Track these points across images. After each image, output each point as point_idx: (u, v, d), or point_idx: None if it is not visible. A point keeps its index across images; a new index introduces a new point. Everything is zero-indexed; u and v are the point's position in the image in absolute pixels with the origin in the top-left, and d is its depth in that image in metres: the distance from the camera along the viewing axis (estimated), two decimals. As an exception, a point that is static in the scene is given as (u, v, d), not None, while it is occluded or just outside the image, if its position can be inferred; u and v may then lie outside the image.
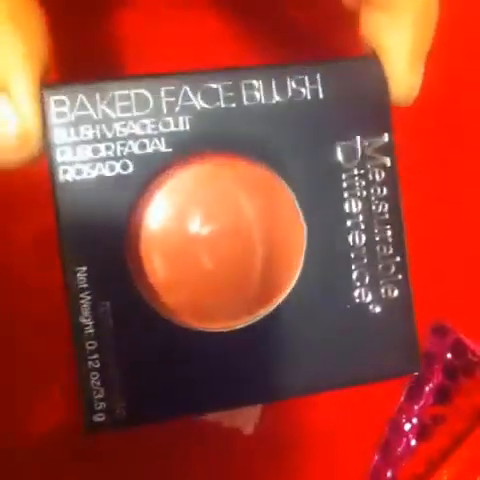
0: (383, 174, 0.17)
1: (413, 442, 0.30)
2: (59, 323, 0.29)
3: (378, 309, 0.17)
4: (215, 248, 0.16)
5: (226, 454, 0.30)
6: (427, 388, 0.30)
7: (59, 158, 0.15)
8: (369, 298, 0.17)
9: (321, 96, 0.16)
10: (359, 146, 0.16)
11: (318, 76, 0.16)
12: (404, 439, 0.30)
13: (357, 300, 0.17)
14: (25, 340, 0.29)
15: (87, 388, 0.16)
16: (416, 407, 0.30)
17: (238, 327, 0.16)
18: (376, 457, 0.30)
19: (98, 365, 0.15)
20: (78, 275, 0.15)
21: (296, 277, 0.16)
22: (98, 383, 0.16)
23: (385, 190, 0.17)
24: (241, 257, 0.16)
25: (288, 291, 0.16)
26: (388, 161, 0.17)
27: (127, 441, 0.29)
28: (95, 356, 0.15)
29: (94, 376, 0.16)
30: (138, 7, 0.27)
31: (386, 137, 0.17)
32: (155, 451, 0.30)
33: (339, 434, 0.31)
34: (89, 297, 0.15)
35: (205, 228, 0.16)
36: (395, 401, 0.31)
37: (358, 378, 0.17)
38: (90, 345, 0.15)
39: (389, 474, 0.30)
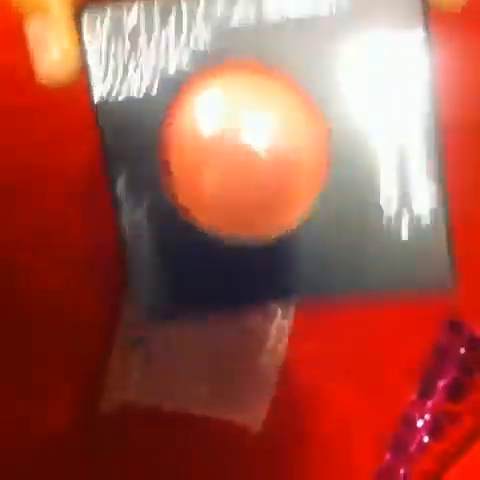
0: (417, 74, 0.16)
1: (426, 439, 0.30)
2: (61, 324, 0.29)
3: (406, 233, 0.16)
4: (245, 156, 0.16)
5: (232, 452, 0.30)
6: (440, 384, 0.30)
7: (94, 77, 0.16)
8: (399, 222, 0.16)
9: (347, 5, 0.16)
10: (387, 44, 0.16)
11: None
12: (417, 436, 0.30)
13: (385, 221, 0.16)
14: (25, 342, 0.29)
15: (133, 278, 0.17)
16: (429, 403, 0.30)
17: (268, 236, 0.16)
18: (388, 455, 0.30)
19: (142, 260, 0.17)
20: (119, 183, 0.17)
21: (320, 188, 0.16)
22: (141, 275, 0.17)
23: (419, 92, 0.16)
24: (271, 165, 0.16)
25: (313, 203, 0.16)
26: (423, 58, 0.16)
27: (128, 441, 0.29)
28: (138, 252, 0.17)
29: (138, 268, 0.17)
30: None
31: (420, 32, 0.15)
32: (159, 448, 0.29)
33: (351, 431, 0.30)
34: (129, 202, 0.17)
35: (235, 136, 0.16)
36: (408, 397, 0.30)
37: (387, 283, 0.17)
38: (133, 243, 0.17)
39: (402, 472, 0.29)
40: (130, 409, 0.29)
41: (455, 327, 0.30)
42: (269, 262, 0.17)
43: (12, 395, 0.29)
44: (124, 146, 0.17)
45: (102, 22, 0.16)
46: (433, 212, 0.16)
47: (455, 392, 0.30)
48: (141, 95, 0.16)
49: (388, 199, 0.16)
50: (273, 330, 0.29)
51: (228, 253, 0.17)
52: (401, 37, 0.16)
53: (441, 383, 0.30)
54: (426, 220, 0.16)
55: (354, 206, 0.16)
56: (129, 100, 0.16)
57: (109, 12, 0.16)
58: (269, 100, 0.16)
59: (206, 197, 0.16)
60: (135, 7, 0.16)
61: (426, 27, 0.16)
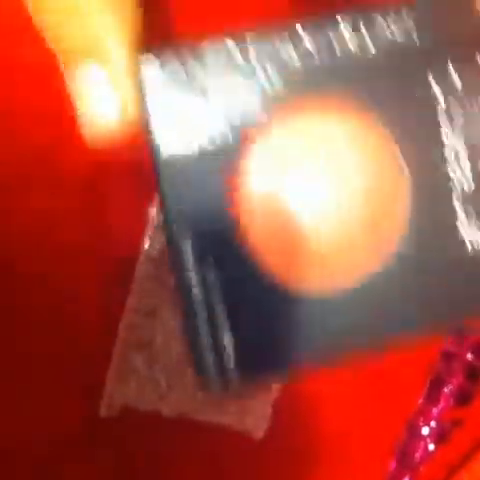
0: None
1: (431, 446, 0.29)
2: (60, 325, 0.29)
3: None
4: (315, 208, 0.15)
5: (233, 459, 0.29)
6: (446, 390, 0.29)
7: (155, 130, 0.15)
8: (476, 236, 0.16)
9: (415, 36, 0.15)
10: (453, 73, 0.15)
11: (407, 14, 0.15)
12: (422, 443, 0.29)
13: (469, 247, 0.16)
14: (23, 344, 0.29)
15: (196, 347, 0.16)
16: (435, 410, 0.29)
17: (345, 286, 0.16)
18: (393, 462, 0.30)
19: (207, 323, 0.16)
20: (185, 249, 0.16)
21: (405, 228, 0.16)
22: (205, 341, 0.16)
23: None
24: (343, 216, 0.16)
25: (395, 249, 0.16)
26: None
27: (128, 445, 0.29)
28: (203, 314, 0.16)
29: (203, 333, 0.16)
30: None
31: None
32: (159, 453, 0.29)
33: (354, 438, 0.30)
34: (195, 262, 0.16)
35: (310, 182, 0.15)
36: (413, 403, 0.30)
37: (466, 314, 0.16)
38: (197, 305, 0.16)
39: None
40: (130, 413, 0.29)
41: (461, 332, 0.30)
42: (346, 313, 0.16)
43: (11, 400, 0.28)
44: (189, 207, 0.16)
45: (164, 69, 0.15)
46: None
47: (461, 398, 0.30)
48: (209, 147, 0.15)
49: (468, 234, 0.16)
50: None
51: (309, 307, 0.16)
52: (466, 66, 0.15)
53: (447, 389, 0.29)
54: None
55: (434, 245, 0.16)
56: (195, 153, 0.15)
57: (171, 58, 0.15)
58: (349, 144, 0.15)
59: (283, 249, 0.16)
60: (203, 55, 0.15)
61: None
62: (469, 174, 0.16)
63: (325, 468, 0.30)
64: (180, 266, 0.16)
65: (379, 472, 0.30)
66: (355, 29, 0.15)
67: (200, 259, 0.16)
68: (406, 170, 0.16)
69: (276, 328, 0.16)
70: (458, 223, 0.16)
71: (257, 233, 0.16)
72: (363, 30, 0.15)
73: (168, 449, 0.29)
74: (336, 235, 0.16)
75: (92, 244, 0.28)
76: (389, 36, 0.15)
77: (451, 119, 0.16)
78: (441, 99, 0.16)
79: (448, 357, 0.30)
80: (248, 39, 0.15)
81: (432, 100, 0.16)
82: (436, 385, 0.30)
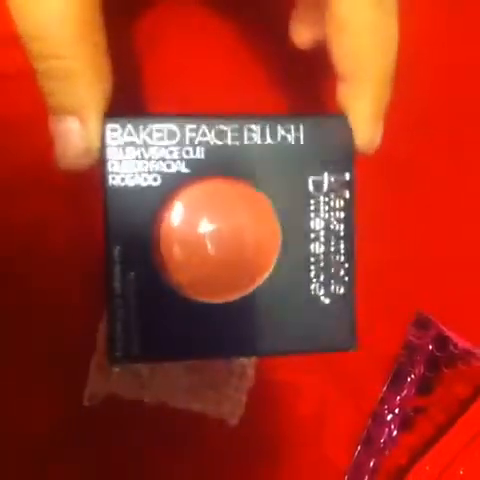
0: (342, 203, 0.22)
1: (395, 432, 0.31)
2: (57, 324, 0.29)
3: (327, 301, 0.22)
4: (215, 242, 0.22)
5: (211, 445, 0.30)
6: (409, 379, 0.30)
7: (110, 169, 0.21)
8: (322, 292, 0.22)
9: (302, 142, 0.22)
10: (326, 181, 0.22)
11: (301, 126, 0.22)
12: (386, 429, 0.30)
13: (313, 292, 0.22)
14: (23, 339, 0.29)
15: (113, 332, 0.21)
16: (398, 398, 0.30)
17: (227, 300, 0.22)
18: (359, 448, 0.31)
19: (122, 316, 0.21)
20: (115, 252, 0.21)
21: (271, 268, 0.22)
22: (120, 329, 0.21)
23: (342, 214, 0.22)
24: (234, 249, 0.22)
25: (264, 279, 0.22)
26: (347, 194, 0.22)
27: (113, 433, 0.30)
28: (120, 310, 0.21)
29: (119, 324, 0.21)
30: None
31: (347, 176, 0.22)
32: (141, 441, 0.30)
33: (323, 425, 0.31)
34: (120, 268, 0.21)
35: (209, 226, 0.22)
36: (378, 392, 0.31)
37: (308, 348, 0.22)
38: (118, 301, 0.21)
39: (371, 464, 0.30)
40: (114, 402, 0.29)
41: (423, 324, 0.31)
42: (227, 321, 0.22)
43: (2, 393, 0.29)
44: (124, 222, 0.21)
45: (123, 130, 0.21)
46: (346, 284, 0.22)
47: (424, 387, 0.31)
48: (146, 185, 0.21)
49: (316, 274, 0.22)
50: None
51: (199, 314, 0.22)
52: (334, 175, 0.22)
53: (410, 378, 0.31)
54: (341, 290, 0.22)
55: (292, 280, 0.22)
56: (135, 187, 0.21)
57: (129, 125, 0.21)
58: (237, 205, 0.22)
59: (186, 269, 0.22)
60: (150, 125, 0.21)
61: (353, 170, 0.22)
62: (323, 251, 0.22)
63: (296, 453, 0.31)
64: (108, 265, 0.21)
65: (347, 457, 0.31)
66: (262, 130, 0.22)
67: (124, 262, 0.21)
68: (280, 235, 0.22)
69: (175, 326, 0.22)
70: (311, 275, 0.22)
71: (171, 254, 0.22)
72: (267, 130, 0.22)
73: (149, 436, 0.30)
74: (224, 270, 0.22)
75: (79, 244, 0.29)
76: (284, 139, 0.22)
77: (317, 209, 0.22)
78: (314, 195, 0.22)
79: (411, 349, 0.31)
80: (186, 121, 0.21)
81: (308, 195, 0.22)
82: (399, 375, 0.31)
